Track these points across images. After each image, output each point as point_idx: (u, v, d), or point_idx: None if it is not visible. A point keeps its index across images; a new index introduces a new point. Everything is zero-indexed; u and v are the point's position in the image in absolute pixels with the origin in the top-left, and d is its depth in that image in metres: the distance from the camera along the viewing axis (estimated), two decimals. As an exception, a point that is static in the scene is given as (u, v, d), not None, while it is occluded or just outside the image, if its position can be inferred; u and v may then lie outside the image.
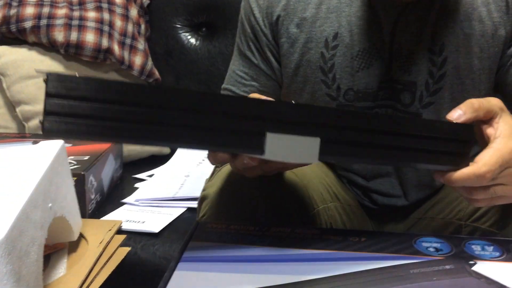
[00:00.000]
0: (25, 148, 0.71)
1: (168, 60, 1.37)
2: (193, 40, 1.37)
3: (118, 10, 1.24)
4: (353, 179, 0.82)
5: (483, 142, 0.53)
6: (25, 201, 0.57)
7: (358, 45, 0.72)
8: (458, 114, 0.51)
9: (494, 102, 0.52)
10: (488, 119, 0.51)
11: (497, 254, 0.52)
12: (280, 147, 0.40)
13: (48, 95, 0.37)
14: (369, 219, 0.83)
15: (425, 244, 0.53)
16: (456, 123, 0.49)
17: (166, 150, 1.32)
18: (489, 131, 0.51)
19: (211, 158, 0.51)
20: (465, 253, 0.52)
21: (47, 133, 0.37)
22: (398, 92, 0.73)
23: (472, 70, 0.71)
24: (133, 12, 1.29)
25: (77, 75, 0.39)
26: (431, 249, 0.52)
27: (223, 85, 0.84)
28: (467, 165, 0.49)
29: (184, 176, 1.16)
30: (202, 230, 0.57)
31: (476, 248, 0.53)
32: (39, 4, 1.18)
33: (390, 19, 0.70)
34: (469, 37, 0.70)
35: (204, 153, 1.36)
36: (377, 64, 0.72)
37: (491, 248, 0.53)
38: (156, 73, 1.31)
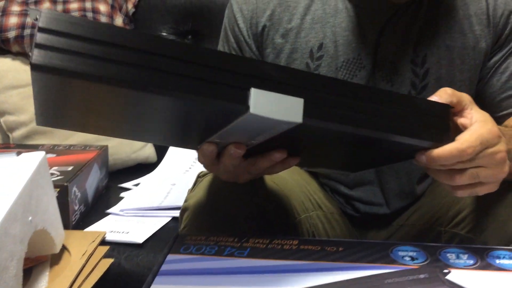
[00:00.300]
0: (5, 161, 0.71)
1: (154, 68, 1.37)
2: (178, 48, 1.37)
3: (103, 19, 1.24)
4: (335, 187, 0.82)
5: (459, 133, 0.53)
6: (3, 215, 0.57)
7: (342, 55, 0.72)
8: (434, 98, 0.52)
9: (464, 95, 0.53)
10: (459, 110, 0.52)
11: (471, 262, 0.52)
12: (264, 103, 0.40)
13: (40, 29, 0.37)
14: (352, 227, 0.83)
15: (401, 253, 0.54)
16: (434, 102, 0.51)
17: (152, 158, 1.32)
18: (463, 120, 0.52)
19: (199, 154, 0.52)
20: (440, 262, 0.52)
21: (34, 66, 0.36)
22: None
23: (453, 81, 0.72)
24: (118, 20, 1.29)
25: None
26: (407, 258, 0.53)
27: None
28: (448, 142, 0.50)
29: (171, 184, 1.16)
30: (181, 242, 0.57)
31: (451, 256, 0.53)
32: (23, 14, 1.18)
33: (375, 30, 0.71)
34: (451, 49, 0.71)
35: (191, 160, 1.34)
36: (361, 74, 0.72)
37: (466, 256, 0.53)
38: (142, 81, 1.31)
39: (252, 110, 0.40)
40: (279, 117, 0.40)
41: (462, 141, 0.49)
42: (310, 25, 0.73)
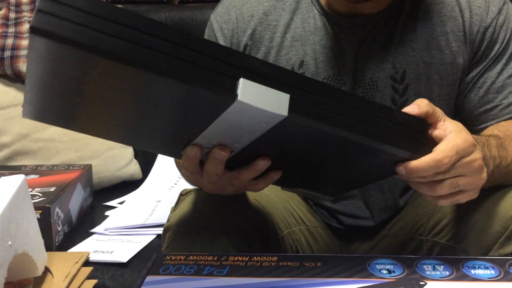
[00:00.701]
0: (-17, 186, 0.70)
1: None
2: (161, 65, 1.38)
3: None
4: (318, 202, 0.83)
5: (434, 146, 0.54)
6: (-20, 242, 0.57)
7: (323, 72, 0.73)
8: (411, 107, 0.53)
9: (437, 108, 0.54)
10: (433, 122, 0.53)
11: (447, 273, 0.53)
12: (252, 92, 0.41)
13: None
14: (336, 239, 0.84)
15: (378, 266, 0.54)
16: (412, 116, 0.52)
17: (137, 175, 1.31)
18: (437, 132, 0.53)
19: (183, 160, 0.51)
20: (416, 274, 0.53)
21: (33, 29, 0.37)
22: None
23: (432, 97, 0.73)
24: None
25: None
26: (384, 271, 0.53)
27: None
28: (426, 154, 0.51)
29: (156, 201, 1.16)
30: (160, 263, 0.57)
31: (427, 268, 0.54)
32: (3, 36, 1.18)
33: (353, 47, 0.72)
34: (429, 65, 0.72)
35: (176, 176, 1.34)
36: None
37: (442, 267, 0.54)
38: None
39: (240, 97, 0.41)
40: (266, 107, 0.42)
41: (438, 152, 0.50)
42: (290, 43, 0.74)
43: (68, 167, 1.12)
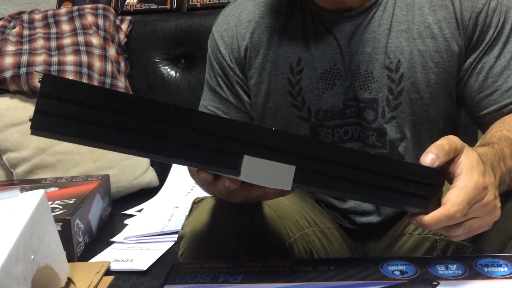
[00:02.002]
0: (5, 202, 0.73)
1: (150, 94, 1.40)
2: (173, 73, 1.40)
3: (96, 52, 1.27)
4: (330, 202, 0.83)
5: (448, 178, 0.54)
6: (4, 258, 0.59)
7: (320, 67, 0.75)
8: (431, 159, 0.51)
9: (457, 140, 0.54)
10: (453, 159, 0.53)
11: (460, 272, 0.53)
12: (256, 170, 0.41)
13: (41, 95, 0.39)
14: (350, 240, 0.84)
15: (391, 268, 0.55)
16: (428, 167, 0.50)
17: (154, 183, 1.33)
18: (452, 167, 0.52)
19: (196, 178, 0.53)
20: (429, 274, 0.53)
21: (34, 130, 0.39)
22: (362, 110, 0.75)
23: (429, 84, 0.74)
24: (111, 51, 1.32)
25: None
26: (397, 273, 0.54)
27: None
28: (437, 208, 0.50)
29: (173, 208, 1.17)
30: (177, 271, 0.58)
31: (440, 268, 0.54)
32: (18, 53, 1.21)
33: (345, 41, 0.74)
34: (424, 54, 0.73)
35: (192, 182, 1.35)
36: (340, 83, 0.75)
37: (455, 266, 0.54)
38: (138, 108, 1.33)
39: (242, 177, 0.41)
40: (268, 184, 0.42)
41: (449, 206, 0.50)
42: (287, 41, 0.76)
43: (86, 178, 1.14)
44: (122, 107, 0.39)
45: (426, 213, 0.51)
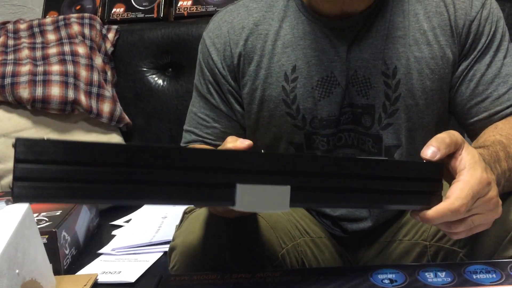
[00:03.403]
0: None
1: (137, 103, 1.39)
2: (160, 81, 1.39)
3: (82, 61, 1.26)
4: (321, 210, 0.83)
5: (448, 174, 0.54)
6: (-12, 273, 0.58)
7: (316, 75, 0.74)
8: (432, 152, 0.51)
9: (457, 135, 0.53)
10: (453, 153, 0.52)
11: (449, 279, 0.53)
12: (250, 197, 0.40)
13: (17, 160, 0.37)
14: (341, 248, 0.84)
15: (380, 277, 0.55)
16: (426, 162, 0.49)
17: (142, 192, 1.32)
18: (453, 163, 0.52)
19: None
20: (419, 282, 0.53)
21: (17, 198, 0.37)
22: (358, 116, 0.75)
23: (424, 91, 0.74)
24: (98, 60, 1.31)
25: (45, 138, 0.39)
26: (386, 281, 0.54)
27: (186, 127, 0.86)
28: (439, 201, 0.49)
29: (161, 218, 1.16)
30: (165, 284, 0.58)
31: (429, 276, 0.54)
32: (2, 64, 1.20)
33: (343, 48, 0.73)
34: (420, 60, 0.73)
35: None
36: (337, 91, 0.75)
37: (443, 274, 0.54)
38: (126, 117, 1.32)
39: (237, 207, 0.40)
40: (265, 209, 0.42)
41: (454, 200, 0.49)
42: (281, 49, 0.75)
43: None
44: (101, 158, 0.38)
45: (429, 208, 0.50)
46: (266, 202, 0.41)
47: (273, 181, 0.41)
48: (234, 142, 0.56)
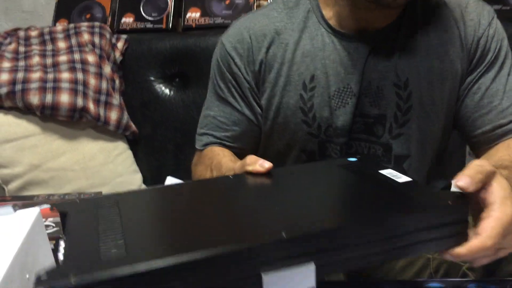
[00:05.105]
0: None
1: (144, 112, 1.40)
2: (167, 91, 1.41)
3: (92, 69, 1.28)
4: None
5: (476, 204, 0.52)
6: (1, 277, 0.59)
7: (333, 85, 0.77)
8: (465, 183, 0.48)
9: (488, 167, 0.51)
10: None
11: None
12: (277, 283, 0.41)
13: None
14: None
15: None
16: (451, 206, 0.47)
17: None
18: (483, 193, 0.51)
19: None
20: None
21: None
22: (370, 125, 0.78)
23: (434, 102, 0.77)
24: (107, 69, 1.33)
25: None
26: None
27: (202, 130, 0.87)
28: (465, 238, 0.48)
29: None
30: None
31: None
32: (14, 70, 1.22)
33: (360, 60, 0.76)
34: (430, 73, 0.76)
35: None
36: (352, 102, 0.77)
37: (446, 290, 0.55)
38: (133, 126, 1.34)
39: None
40: None
41: (486, 239, 0.48)
42: (301, 58, 0.78)
43: (79, 196, 1.14)
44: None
45: (457, 245, 0.48)
46: (292, 284, 0.41)
47: (297, 262, 0.41)
48: (254, 166, 0.56)
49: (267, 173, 0.57)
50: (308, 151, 0.80)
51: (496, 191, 0.50)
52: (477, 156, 0.81)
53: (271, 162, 0.83)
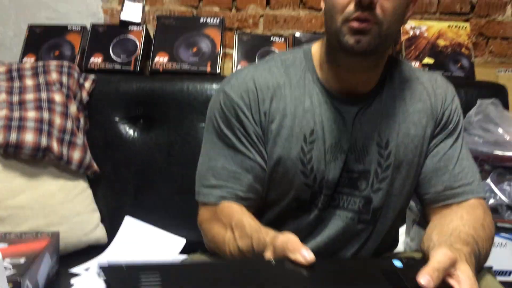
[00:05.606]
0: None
1: (107, 151, 1.43)
2: (131, 132, 1.45)
3: (58, 109, 1.31)
4: None
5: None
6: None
7: (328, 140, 0.85)
8: (427, 281, 0.58)
9: (451, 255, 0.62)
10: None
11: None
12: None
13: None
14: None
15: None
16: None
17: (103, 240, 1.35)
18: (451, 281, 0.61)
19: None
20: None
21: None
22: (355, 180, 0.86)
23: (408, 162, 0.87)
24: (73, 108, 1.36)
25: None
26: None
27: (211, 182, 0.86)
28: None
29: (121, 267, 1.19)
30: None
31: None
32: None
33: (350, 120, 0.85)
34: (407, 136, 0.87)
35: (142, 239, 1.37)
36: (341, 157, 0.85)
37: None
38: (94, 165, 1.37)
39: None
40: None
41: None
42: (302, 113, 0.85)
43: (36, 235, 1.15)
44: None
45: None
46: None
47: None
48: (296, 255, 0.60)
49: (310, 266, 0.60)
50: (300, 200, 0.87)
51: (463, 281, 0.60)
52: (424, 212, 0.92)
53: (264, 209, 0.89)
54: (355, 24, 0.75)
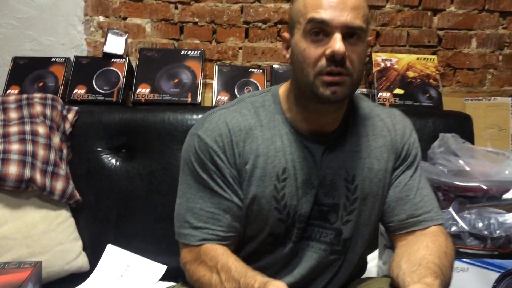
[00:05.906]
0: None
1: (89, 180, 1.46)
2: (113, 161, 1.48)
3: (41, 140, 1.34)
4: None
5: None
6: None
7: (300, 177, 0.90)
8: None
9: None
10: None
11: None
12: None
13: None
14: None
15: None
16: None
17: (85, 267, 1.38)
18: None
19: None
20: None
21: None
22: (325, 213, 0.92)
23: (373, 194, 0.93)
24: (56, 139, 1.40)
25: None
26: None
27: (194, 224, 0.88)
28: None
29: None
30: None
31: None
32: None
33: (318, 157, 0.91)
34: (371, 170, 0.93)
35: (124, 267, 1.40)
36: (312, 192, 0.91)
37: None
38: (77, 195, 1.40)
39: None
40: None
41: None
42: (274, 153, 0.90)
43: (19, 265, 1.17)
44: None
45: None
46: None
47: None
48: None
49: None
50: (275, 234, 0.92)
51: None
52: (390, 239, 0.98)
53: (242, 244, 0.93)
54: (328, 78, 0.81)
